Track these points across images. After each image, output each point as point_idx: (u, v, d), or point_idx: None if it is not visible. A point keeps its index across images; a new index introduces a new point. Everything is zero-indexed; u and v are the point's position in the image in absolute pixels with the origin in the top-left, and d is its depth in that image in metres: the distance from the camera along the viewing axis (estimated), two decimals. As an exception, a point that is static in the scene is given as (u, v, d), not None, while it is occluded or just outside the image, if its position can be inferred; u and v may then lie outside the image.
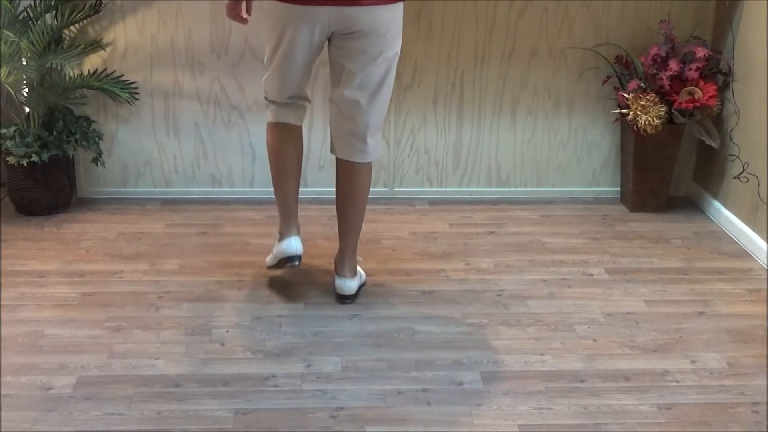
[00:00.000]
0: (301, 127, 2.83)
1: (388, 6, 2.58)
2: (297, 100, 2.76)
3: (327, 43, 2.65)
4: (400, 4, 2.62)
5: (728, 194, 3.47)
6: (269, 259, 2.91)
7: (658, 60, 3.41)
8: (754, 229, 3.26)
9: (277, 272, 2.97)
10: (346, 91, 2.64)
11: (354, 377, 2.42)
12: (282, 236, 2.83)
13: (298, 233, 2.85)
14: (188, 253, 3.18)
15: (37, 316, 2.71)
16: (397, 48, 2.66)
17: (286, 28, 2.59)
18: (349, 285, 2.84)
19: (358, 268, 2.91)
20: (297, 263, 2.82)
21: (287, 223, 2.84)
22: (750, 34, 3.30)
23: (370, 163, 2.77)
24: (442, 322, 2.73)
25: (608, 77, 3.57)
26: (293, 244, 2.80)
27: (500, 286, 2.98)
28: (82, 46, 3.40)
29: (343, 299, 2.85)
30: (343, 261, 2.85)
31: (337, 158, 2.78)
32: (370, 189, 2.83)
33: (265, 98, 2.81)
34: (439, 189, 3.77)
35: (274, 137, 2.79)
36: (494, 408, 2.30)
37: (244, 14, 2.70)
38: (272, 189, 2.84)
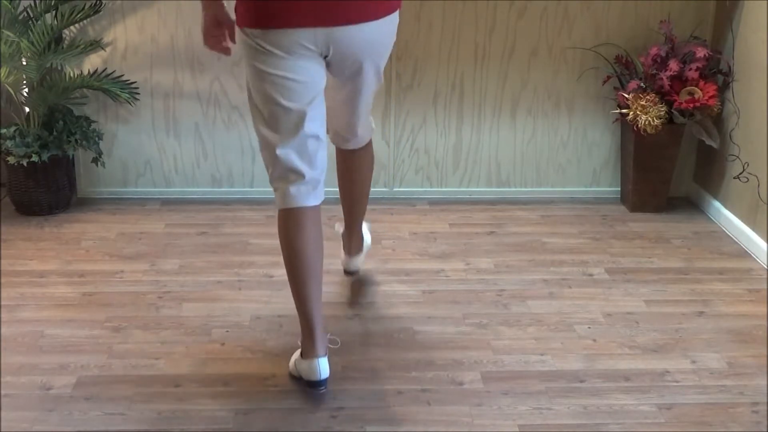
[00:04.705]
0: (319, 208, 2.31)
1: (388, 18, 2.18)
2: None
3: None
4: (396, 13, 2.24)
5: (728, 194, 3.47)
6: (294, 365, 2.37)
7: (658, 60, 3.41)
8: (754, 229, 3.26)
9: (277, 273, 2.95)
10: (340, 125, 2.50)
11: (354, 377, 2.42)
12: (306, 355, 2.29)
13: (325, 352, 2.28)
14: (188, 253, 3.18)
15: (37, 316, 2.71)
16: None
17: (273, 61, 2.10)
18: (354, 262, 2.91)
19: (364, 229, 2.88)
20: (323, 389, 2.28)
21: (311, 338, 2.27)
22: (750, 34, 3.30)
23: (370, 140, 2.63)
24: (442, 322, 2.73)
25: (608, 77, 3.57)
26: (318, 368, 2.26)
27: (500, 286, 2.98)
28: (82, 46, 3.40)
29: (351, 274, 2.95)
30: (351, 237, 2.85)
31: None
32: (371, 189, 2.80)
33: (270, 180, 2.28)
34: (439, 189, 3.77)
35: (291, 231, 2.26)
36: (494, 408, 2.30)
37: (228, 42, 2.28)
38: (271, 189, 2.37)
